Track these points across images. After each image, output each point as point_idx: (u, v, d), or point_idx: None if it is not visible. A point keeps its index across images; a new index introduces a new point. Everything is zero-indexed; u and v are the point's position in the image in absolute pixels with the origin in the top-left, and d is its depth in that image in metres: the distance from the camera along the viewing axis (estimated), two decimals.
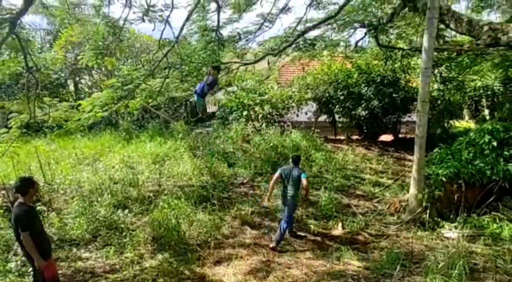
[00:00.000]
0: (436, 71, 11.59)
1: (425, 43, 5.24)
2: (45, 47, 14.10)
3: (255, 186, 7.93)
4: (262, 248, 5.00)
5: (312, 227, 5.71)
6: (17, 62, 5.56)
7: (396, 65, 12.69)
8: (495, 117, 12.42)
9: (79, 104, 6.60)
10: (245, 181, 8.16)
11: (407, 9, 7.90)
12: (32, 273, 3.44)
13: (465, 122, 16.24)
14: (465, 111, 16.84)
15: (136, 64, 11.50)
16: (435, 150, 6.54)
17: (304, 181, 5.05)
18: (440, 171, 5.83)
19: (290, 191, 5.19)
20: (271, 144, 9.99)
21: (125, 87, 6.18)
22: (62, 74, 13.56)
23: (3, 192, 6.82)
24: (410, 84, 12.74)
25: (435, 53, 8.70)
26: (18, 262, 4.46)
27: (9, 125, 5.33)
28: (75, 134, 11.89)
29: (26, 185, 3.24)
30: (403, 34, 11.65)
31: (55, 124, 9.66)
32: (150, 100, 9.15)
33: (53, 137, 11.41)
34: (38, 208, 6.13)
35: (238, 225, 5.92)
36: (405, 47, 11.50)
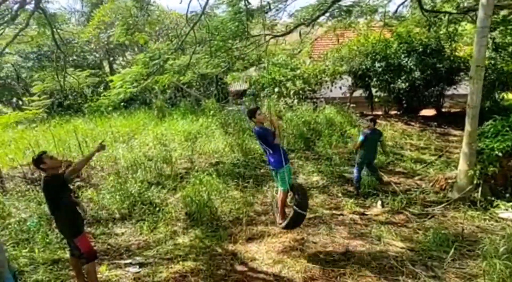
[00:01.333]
0: (488, 36, 10.43)
1: None
2: (79, 27, 14.38)
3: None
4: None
5: (348, 205, 5.40)
6: (46, 37, 5.59)
7: (441, 32, 11.59)
8: None
9: (111, 80, 6.62)
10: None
11: None
12: (70, 247, 3.49)
13: None
14: None
15: (166, 41, 11.40)
16: (488, 122, 5.87)
17: None
18: (495, 145, 5.21)
19: None
20: (304, 120, 9.64)
21: (153, 62, 6.05)
22: (97, 55, 13.83)
23: None
24: (457, 53, 11.64)
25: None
26: (58, 234, 4.62)
27: (32, 91, 5.47)
28: (111, 114, 12.23)
29: (34, 164, 3.28)
30: None
31: (93, 105, 9.94)
32: (180, 78, 9.07)
33: (91, 116, 11.82)
34: (77, 183, 6.37)
35: (270, 202, 5.75)
36: (453, 11, 10.40)
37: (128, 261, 4.14)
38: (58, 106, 13.56)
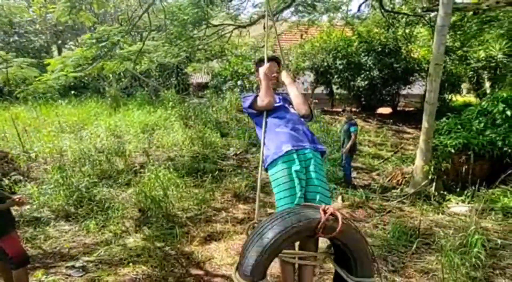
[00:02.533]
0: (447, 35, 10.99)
1: None
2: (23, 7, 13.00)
3: (249, 157, 7.52)
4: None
5: None
6: None
7: (398, 34, 12.05)
8: (496, 90, 12.02)
9: (48, 64, 5.91)
10: (238, 152, 7.73)
11: None
12: None
13: (463, 97, 15.87)
14: (463, 86, 16.38)
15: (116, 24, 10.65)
16: (442, 119, 6.12)
17: None
18: (448, 142, 5.43)
19: None
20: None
21: (100, 44, 5.49)
22: (43, 37, 12.60)
23: None
24: (412, 54, 12.18)
25: None
26: None
27: None
28: (58, 101, 11.24)
29: None
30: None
31: (24, 90, 8.97)
32: (136, 66, 8.48)
33: (35, 104, 10.75)
34: (14, 177, 5.67)
35: (230, 198, 5.54)
36: (410, 13, 10.81)
37: (70, 264, 3.70)
38: None
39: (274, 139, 2.22)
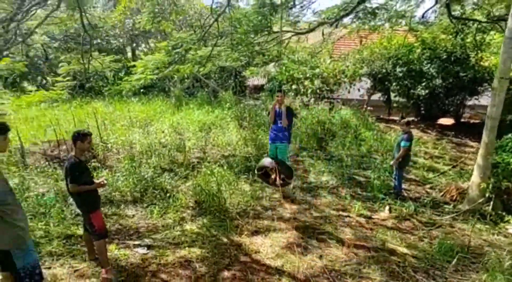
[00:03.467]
0: None
1: None
2: (106, 12, 14.67)
3: (299, 160, 7.74)
4: (302, 223, 4.87)
5: (356, 207, 5.43)
6: (74, 21, 5.78)
7: (467, 40, 11.30)
8: None
9: (134, 66, 6.77)
10: (289, 155, 7.99)
11: None
12: (83, 222, 3.66)
13: None
14: None
15: (189, 31, 11.53)
16: (507, 136, 5.76)
17: None
18: (511, 160, 5.13)
19: None
20: (318, 119, 9.62)
21: (175, 51, 6.17)
22: (121, 40, 14.08)
23: (64, 147, 7.41)
24: (482, 63, 11.33)
25: None
26: (73, 211, 4.82)
27: (59, 72, 5.68)
28: (131, 99, 12.49)
29: (74, 137, 3.36)
30: (482, 4, 10.22)
31: (114, 88, 10.18)
32: (200, 68, 9.18)
33: (111, 100, 12.11)
34: (93, 164, 6.58)
35: (278, 198, 5.83)
36: (482, 19, 10.12)
37: (137, 242, 4.29)
38: (79, 88, 13.92)
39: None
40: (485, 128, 5.08)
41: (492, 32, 11.18)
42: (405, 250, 4.25)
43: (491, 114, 4.97)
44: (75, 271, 3.64)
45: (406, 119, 6.14)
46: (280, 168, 5.10)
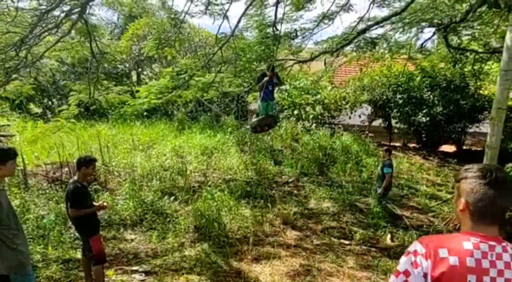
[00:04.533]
0: None
1: (508, 41, 4.61)
2: (113, 39, 15.19)
3: (300, 186, 7.72)
4: (303, 251, 4.80)
5: (358, 235, 5.36)
6: (84, 48, 6.00)
7: (466, 70, 11.56)
8: None
9: (138, 91, 6.94)
10: (290, 180, 7.98)
11: (485, 6, 7.09)
12: (82, 246, 3.63)
13: None
14: None
15: (193, 58, 11.88)
16: (509, 164, 5.77)
17: None
18: None
19: None
20: (320, 144, 9.70)
21: (179, 77, 6.34)
22: (127, 65, 14.47)
23: (66, 169, 7.44)
24: (481, 91, 11.53)
25: None
26: (72, 234, 4.79)
27: (69, 103, 5.80)
28: (134, 122, 12.66)
29: (79, 163, 3.41)
30: (478, 35, 10.53)
31: (117, 112, 10.33)
32: (204, 94, 9.37)
33: (115, 123, 12.27)
34: (94, 187, 6.59)
35: (279, 224, 5.78)
36: (479, 50, 10.40)
37: (135, 268, 4.23)
38: (84, 110, 14.15)
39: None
40: (485, 158, 5.11)
41: (490, 62, 11.45)
42: None
43: (490, 144, 5.02)
44: None
45: (386, 147, 6.29)
46: (269, 119, 6.91)
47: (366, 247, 5.11)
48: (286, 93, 12.31)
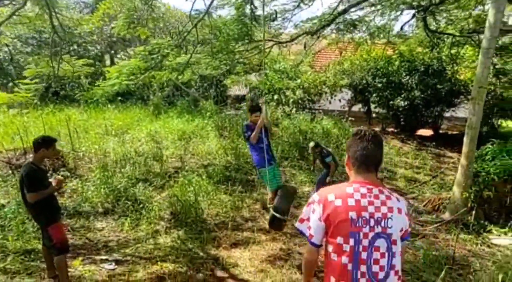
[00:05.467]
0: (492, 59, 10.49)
1: (490, 19, 4.51)
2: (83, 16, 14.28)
3: (281, 170, 7.56)
4: (282, 236, 4.64)
5: None
6: (44, 21, 5.47)
7: (443, 54, 11.64)
8: None
9: (108, 71, 6.48)
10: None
11: None
12: (41, 236, 3.31)
13: None
14: None
15: (167, 38, 11.33)
16: (486, 146, 5.80)
17: None
18: (492, 169, 5.13)
19: None
20: (300, 129, 9.55)
21: (152, 56, 5.93)
22: (99, 47, 13.69)
23: (31, 155, 6.94)
24: (458, 76, 11.68)
25: None
26: (35, 224, 4.41)
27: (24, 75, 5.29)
28: (107, 106, 12.06)
29: (38, 143, 3.04)
30: (454, 19, 10.57)
31: (86, 94, 9.74)
32: (179, 76, 8.95)
33: (86, 107, 11.65)
34: (62, 173, 6.16)
35: (259, 209, 5.60)
36: (456, 34, 10.45)
37: (105, 257, 3.94)
38: (53, 95, 13.35)
39: (262, 157, 4.35)
40: (465, 138, 5.08)
41: (466, 46, 11.56)
42: None
43: (470, 124, 4.98)
44: None
45: (313, 144, 6.16)
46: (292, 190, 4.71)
47: None
48: (266, 77, 12.03)
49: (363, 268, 1.53)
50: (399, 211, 1.60)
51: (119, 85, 5.93)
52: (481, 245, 4.62)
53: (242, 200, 5.71)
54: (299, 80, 11.86)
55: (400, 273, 1.61)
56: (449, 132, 13.05)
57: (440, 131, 12.75)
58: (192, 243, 4.31)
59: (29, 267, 3.60)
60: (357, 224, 1.54)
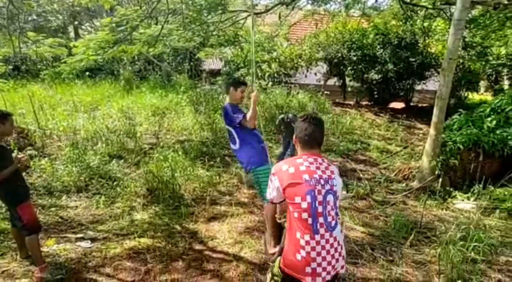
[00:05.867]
0: (463, 31, 10.73)
1: None
2: None
3: None
4: (259, 208, 4.72)
5: None
6: None
7: (416, 27, 11.77)
8: None
9: (75, 46, 6.08)
10: None
11: None
12: (10, 216, 3.17)
13: (480, 95, 15.49)
14: (481, 83, 15.97)
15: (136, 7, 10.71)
16: (454, 116, 6.04)
17: None
18: (458, 138, 5.38)
19: None
20: (276, 103, 9.54)
21: (120, 29, 5.58)
22: (61, 17, 12.76)
23: None
24: (429, 49, 11.91)
25: None
26: (2, 204, 4.24)
27: None
28: (74, 82, 11.46)
29: None
30: None
31: (52, 71, 9.18)
32: (150, 49, 8.56)
33: (51, 83, 11.00)
34: (29, 152, 5.88)
35: (236, 183, 5.64)
36: (429, 6, 10.55)
37: (80, 235, 3.87)
38: (14, 70, 12.47)
39: (260, 151, 3.47)
40: (435, 108, 5.24)
41: (438, 19, 11.73)
42: (362, 229, 4.28)
43: (440, 95, 5.14)
44: (2, 272, 3.16)
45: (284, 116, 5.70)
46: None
47: None
48: (240, 50, 11.77)
49: (321, 219, 1.87)
50: (338, 174, 2.04)
51: (86, 60, 5.58)
52: (446, 210, 4.92)
53: (219, 175, 5.71)
54: (275, 54, 11.70)
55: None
56: (420, 105, 13.46)
57: (411, 103, 13.13)
58: (170, 218, 4.30)
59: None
60: (311, 183, 1.89)
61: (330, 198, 1.90)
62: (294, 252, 1.90)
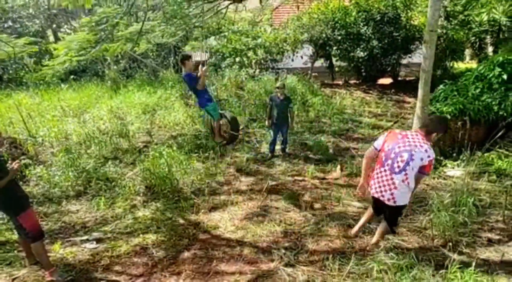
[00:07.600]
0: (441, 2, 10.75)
1: None
2: None
3: (250, 132, 7.66)
4: (258, 194, 4.83)
5: (310, 171, 5.51)
6: None
7: (397, 1, 11.75)
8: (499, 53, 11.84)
9: (55, 49, 6.01)
10: (240, 128, 7.85)
11: None
12: (14, 226, 3.23)
13: (466, 64, 15.63)
14: (466, 52, 16.08)
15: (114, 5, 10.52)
16: (439, 87, 6.15)
17: None
18: (444, 108, 5.50)
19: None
20: (265, 90, 9.57)
21: (100, 27, 5.52)
22: (37, 21, 12.48)
23: None
24: (412, 22, 11.93)
25: None
26: (4, 215, 4.28)
27: None
28: (59, 86, 11.33)
29: None
30: None
31: (35, 76, 9.03)
32: (134, 47, 8.47)
33: (36, 90, 10.87)
34: (24, 161, 5.87)
35: (233, 172, 5.73)
36: None
37: (85, 237, 3.94)
38: None
39: (207, 99, 5.72)
40: (420, 81, 5.32)
41: None
42: (358, 204, 4.42)
43: (424, 67, 5.21)
44: (13, 279, 3.24)
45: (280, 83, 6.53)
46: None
47: (318, 180, 5.29)
48: (225, 40, 11.68)
49: (389, 162, 3.01)
50: (429, 150, 2.93)
51: (69, 62, 5.53)
52: (438, 178, 5.08)
53: (215, 166, 5.79)
54: (259, 40, 11.64)
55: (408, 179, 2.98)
56: (407, 78, 13.58)
57: (399, 78, 13.24)
58: (171, 212, 4.39)
59: (7, 258, 3.54)
60: (399, 142, 2.99)
61: (404, 155, 2.90)
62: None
